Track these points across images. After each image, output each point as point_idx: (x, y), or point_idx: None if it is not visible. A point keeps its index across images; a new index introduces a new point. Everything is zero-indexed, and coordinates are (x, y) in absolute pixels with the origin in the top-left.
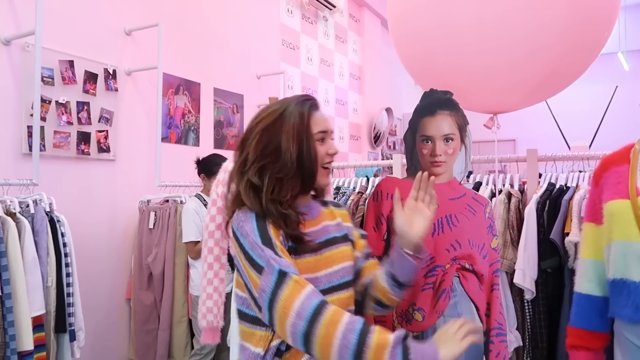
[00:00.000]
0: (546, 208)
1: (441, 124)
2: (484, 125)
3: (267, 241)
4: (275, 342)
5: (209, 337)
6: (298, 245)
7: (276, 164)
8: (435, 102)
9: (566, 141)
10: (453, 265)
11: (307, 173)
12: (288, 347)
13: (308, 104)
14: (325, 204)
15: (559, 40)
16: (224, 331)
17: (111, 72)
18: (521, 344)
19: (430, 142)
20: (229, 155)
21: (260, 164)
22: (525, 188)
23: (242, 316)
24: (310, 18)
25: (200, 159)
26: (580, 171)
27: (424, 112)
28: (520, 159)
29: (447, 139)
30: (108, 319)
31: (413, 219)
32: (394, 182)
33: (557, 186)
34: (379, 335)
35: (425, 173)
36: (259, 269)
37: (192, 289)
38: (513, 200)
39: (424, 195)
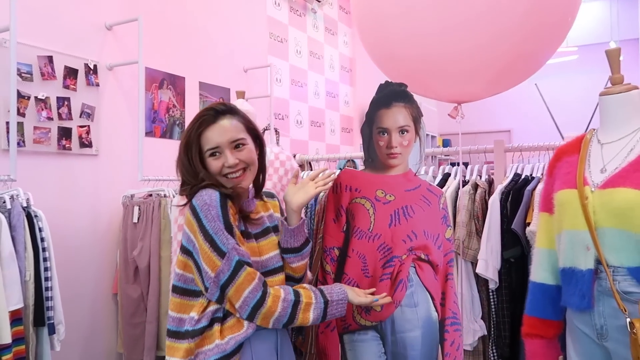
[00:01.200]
0: (509, 198)
1: (396, 116)
2: (448, 114)
3: (229, 229)
4: (211, 308)
5: None
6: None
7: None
8: (391, 94)
9: (559, 131)
10: (409, 256)
11: (211, 183)
12: (226, 316)
13: (198, 123)
14: (260, 196)
15: (520, 26)
16: None
17: (92, 67)
18: (486, 333)
19: (386, 134)
20: None
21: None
22: (493, 179)
23: (182, 292)
24: (299, 10)
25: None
26: (518, 164)
27: (379, 105)
28: (488, 150)
29: (402, 130)
30: (95, 313)
31: (299, 192)
32: (352, 174)
33: (523, 176)
34: (305, 294)
35: (328, 171)
36: (221, 253)
37: None
38: (479, 191)
39: (319, 180)
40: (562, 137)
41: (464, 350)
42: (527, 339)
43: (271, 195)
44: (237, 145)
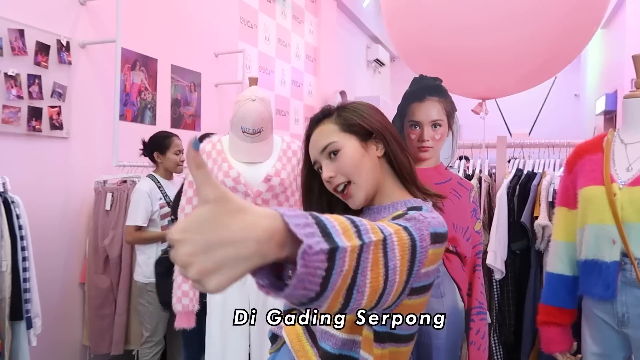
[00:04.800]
0: (516, 193)
1: (429, 110)
2: (472, 110)
3: None
4: None
5: (183, 321)
6: None
7: None
8: (424, 88)
9: (508, 128)
10: None
11: None
12: None
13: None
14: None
15: (557, 25)
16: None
17: (64, 44)
18: (489, 322)
19: (418, 128)
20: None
21: None
22: (495, 173)
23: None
24: None
25: (147, 139)
26: (514, 158)
27: (412, 98)
28: (490, 145)
29: (435, 124)
30: (61, 303)
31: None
32: None
33: (525, 172)
34: None
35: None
36: None
37: (137, 275)
38: (484, 185)
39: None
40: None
41: None
42: (544, 326)
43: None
44: (330, 153)
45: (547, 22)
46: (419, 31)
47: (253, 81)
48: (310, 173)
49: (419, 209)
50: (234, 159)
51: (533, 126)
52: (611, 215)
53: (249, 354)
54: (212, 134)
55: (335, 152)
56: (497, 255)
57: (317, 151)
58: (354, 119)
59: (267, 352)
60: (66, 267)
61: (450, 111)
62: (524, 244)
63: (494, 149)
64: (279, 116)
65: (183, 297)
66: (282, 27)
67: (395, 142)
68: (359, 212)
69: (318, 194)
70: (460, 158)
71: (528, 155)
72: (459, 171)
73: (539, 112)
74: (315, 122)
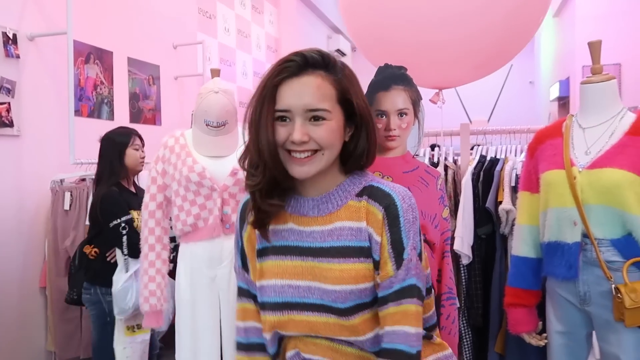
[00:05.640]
0: (480, 179)
1: (395, 99)
2: (430, 100)
3: (240, 250)
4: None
5: (152, 321)
6: None
7: None
8: (390, 77)
9: (468, 116)
10: None
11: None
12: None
13: (278, 70)
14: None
15: (506, 17)
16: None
17: (11, 37)
18: (458, 306)
19: (384, 117)
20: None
21: None
22: (459, 160)
23: None
24: None
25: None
26: (477, 145)
27: (378, 87)
28: (454, 133)
29: (401, 113)
30: (20, 309)
31: None
32: None
33: (488, 158)
34: None
35: None
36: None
37: None
38: (449, 172)
39: None
40: (470, 121)
41: None
42: (511, 308)
43: (380, 196)
44: (315, 117)
45: (497, 16)
46: (375, 24)
47: (215, 72)
48: (270, 114)
49: (372, 187)
50: (199, 153)
51: (492, 113)
52: (572, 198)
53: (221, 354)
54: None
55: (320, 119)
56: (463, 241)
57: (302, 106)
58: (351, 95)
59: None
60: (24, 271)
61: (416, 100)
62: (489, 229)
63: (457, 136)
64: (241, 108)
65: (150, 296)
66: (241, 18)
67: (373, 135)
68: (299, 199)
69: (271, 139)
70: (433, 147)
71: (490, 142)
72: (425, 159)
73: (497, 99)
74: (309, 63)
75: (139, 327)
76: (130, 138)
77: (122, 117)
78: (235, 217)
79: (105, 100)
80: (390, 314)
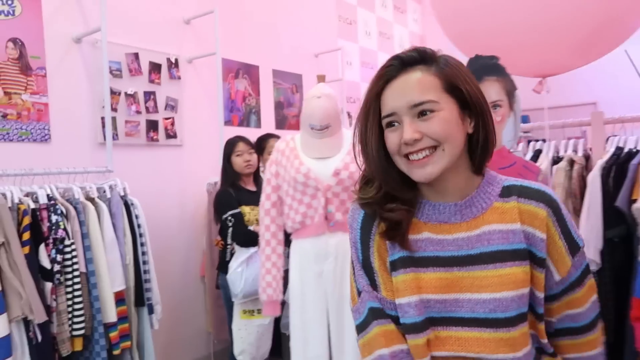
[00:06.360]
0: (612, 174)
1: (488, 91)
2: (533, 89)
3: (366, 267)
4: None
5: (269, 309)
6: None
7: None
8: (481, 68)
9: None
10: None
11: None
12: None
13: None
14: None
15: None
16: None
17: (173, 62)
18: None
19: None
20: (290, 134)
21: None
22: (591, 154)
23: None
24: None
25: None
26: (614, 135)
27: None
28: (584, 123)
29: (494, 105)
30: (183, 294)
31: None
32: None
33: (626, 150)
34: None
35: None
36: (357, 291)
37: None
38: (576, 167)
39: None
40: None
41: None
42: (638, 323)
43: (534, 194)
44: (422, 112)
45: None
46: (460, 14)
47: (321, 79)
48: (376, 124)
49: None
50: (306, 155)
51: None
52: None
53: (329, 341)
54: (273, 134)
55: (427, 112)
56: (589, 244)
57: (405, 104)
58: (459, 82)
59: (347, 341)
60: (187, 262)
61: (510, 90)
62: (623, 231)
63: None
64: None
65: (267, 287)
66: (383, 20)
67: (491, 122)
68: (434, 206)
69: (376, 153)
70: (530, 141)
71: (632, 133)
72: (548, 154)
73: None
74: (406, 63)
75: (259, 312)
76: (233, 147)
77: (268, 125)
78: (339, 216)
79: (253, 110)
80: (581, 295)
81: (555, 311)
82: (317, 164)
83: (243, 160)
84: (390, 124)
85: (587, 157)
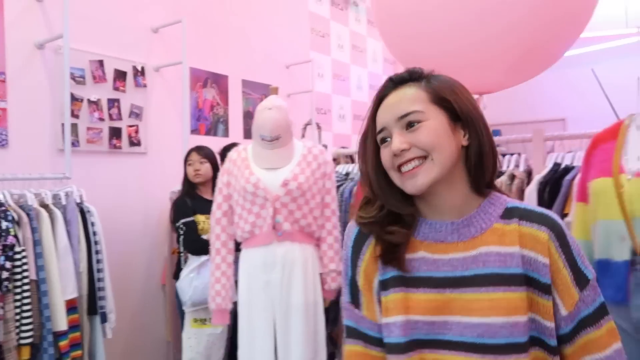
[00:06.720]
0: (547, 188)
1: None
2: None
3: (352, 286)
4: None
5: (218, 318)
6: None
7: None
8: None
9: (617, 117)
10: None
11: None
12: None
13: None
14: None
15: (533, 15)
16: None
17: (139, 70)
18: None
19: None
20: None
21: None
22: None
23: None
24: (340, 4)
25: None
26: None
27: None
28: (526, 139)
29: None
30: (144, 302)
31: None
32: None
33: (563, 166)
34: None
35: None
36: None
37: None
38: (516, 181)
39: None
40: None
41: None
42: None
43: (536, 217)
44: (409, 123)
45: (516, 17)
46: (403, 39)
47: (273, 91)
48: (373, 144)
49: (516, 208)
50: (257, 165)
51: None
52: (619, 209)
53: (275, 352)
54: (237, 143)
55: (414, 123)
56: None
57: (392, 117)
58: (447, 94)
59: (294, 352)
60: (148, 270)
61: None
62: None
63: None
64: (357, 121)
65: (216, 296)
66: (356, 33)
67: (486, 135)
68: (432, 224)
69: (373, 171)
70: (504, 155)
71: (568, 150)
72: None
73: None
74: (396, 82)
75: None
76: (187, 156)
77: (236, 134)
78: (287, 226)
79: (221, 119)
80: (598, 337)
81: (572, 358)
82: (267, 174)
83: (193, 169)
84: (383, 140)
85: (528, 172)
